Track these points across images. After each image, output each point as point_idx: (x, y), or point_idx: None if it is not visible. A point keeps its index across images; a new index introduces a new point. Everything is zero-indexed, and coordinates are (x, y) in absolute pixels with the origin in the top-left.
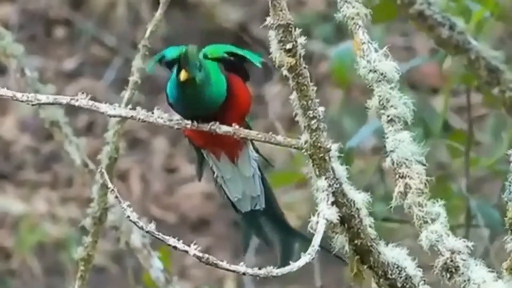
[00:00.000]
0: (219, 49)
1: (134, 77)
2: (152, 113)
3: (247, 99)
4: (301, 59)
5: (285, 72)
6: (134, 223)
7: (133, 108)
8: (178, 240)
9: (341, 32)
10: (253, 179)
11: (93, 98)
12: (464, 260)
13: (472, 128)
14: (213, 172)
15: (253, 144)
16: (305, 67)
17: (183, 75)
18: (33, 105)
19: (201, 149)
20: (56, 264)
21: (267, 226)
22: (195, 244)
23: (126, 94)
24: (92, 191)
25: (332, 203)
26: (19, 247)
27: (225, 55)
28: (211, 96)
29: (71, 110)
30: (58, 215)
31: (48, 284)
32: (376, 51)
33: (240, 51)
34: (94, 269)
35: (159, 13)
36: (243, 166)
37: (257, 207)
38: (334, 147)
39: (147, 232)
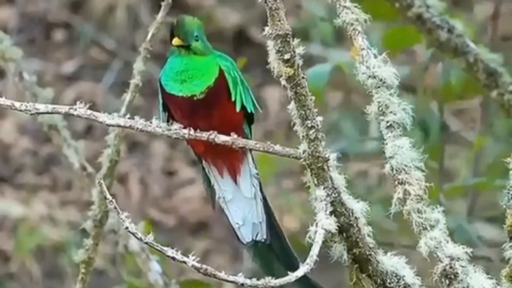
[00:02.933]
0: (229, 68)
1: (135, 80)
2: (151, 122)
3: (230, 116)
4: (299, 69)
5: (283, 82)
6: (133, 234)
7: (132, 117)
8: (178, 243)
9: (340, 35)
10: (254, 202)
11: (92, 102)
12: (463, 266)
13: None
14: (215, 193)
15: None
16: (303, 77)
17: (175, 40)
18: (31, 114)
19: (203, 160)
20: (55, 267)
21: (272, 260)
22: (193, 254)
23: (127, 97)
24: (91, 194)
25: (331, 213)
26: (18, 250)
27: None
28: (199, 71)
29: None
30: (57, 218)
31: (47, 287)
32: (375, 56)
33: (234, 87)
34: (93, 272)
35: (160, 15)
36: (244, 184)
37: (259, 237)
38: (333, 156)
39: (145, 243)
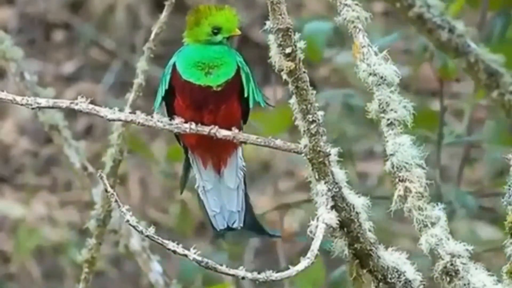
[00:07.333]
0: (243, 64)
1: (138, 79)
2: (152, 117)
3: (235, 115)
4: (301, 63)
5: (284, 76)
6: (134, 227)
7: (133, 112)
8: (178, 244)
9: (341, 35)
10: (236, 192)
11: (92, 102)
12: (464, 263)
13: (443, 114)
14: (186, 181)
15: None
16: (304, 71)
17: (238, 31)
18: (32, 108)
19: (191, 151)
20: (55, 268)
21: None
22: (194, 248)
23: (130, 96)
24: (92, 194)
25: (332, 207)
26: (18, 251)
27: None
28: (223, 64)
29: (70, 114)
30: (57, 219)
31: (47, 287)
32: (376, 54)
33: (247, 83)
34: (92, 273)
35: (164, 15)
36: (229, 175)
37: (235, 225)
38: (334, 151)
39: (146, 236)
